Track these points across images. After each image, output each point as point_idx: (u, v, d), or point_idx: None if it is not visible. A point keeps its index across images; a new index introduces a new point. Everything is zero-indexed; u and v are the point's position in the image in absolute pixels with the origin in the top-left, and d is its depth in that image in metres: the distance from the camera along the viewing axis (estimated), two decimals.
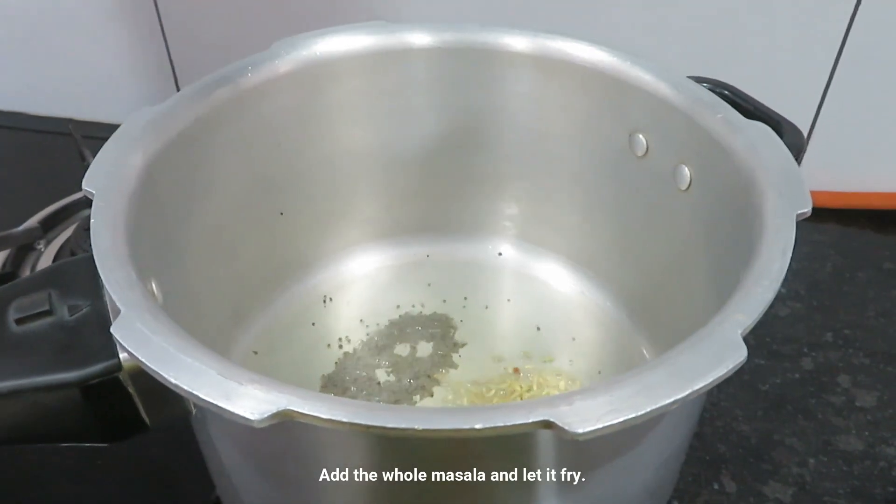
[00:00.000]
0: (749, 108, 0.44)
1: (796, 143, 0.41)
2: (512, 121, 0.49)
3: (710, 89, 0.41)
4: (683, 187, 0.42)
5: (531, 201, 0.52)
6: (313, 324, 0.50)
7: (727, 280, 0.33)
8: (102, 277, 0.30)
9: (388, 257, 0.54)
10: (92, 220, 0.32)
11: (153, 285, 0.34)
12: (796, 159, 0.39)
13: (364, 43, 0.46)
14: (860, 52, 0.59)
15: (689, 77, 0.42)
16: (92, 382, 0.30)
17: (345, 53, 0.46)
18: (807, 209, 0.33)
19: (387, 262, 0.54)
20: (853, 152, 0.64)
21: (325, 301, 0.51)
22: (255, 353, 0.48)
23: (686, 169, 0.41)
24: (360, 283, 0.53)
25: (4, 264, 0.57)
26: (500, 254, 0.54)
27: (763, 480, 0.45)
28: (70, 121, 0.70)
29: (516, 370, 0.47)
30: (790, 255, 0.31)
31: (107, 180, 0.35)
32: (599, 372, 0.47)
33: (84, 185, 0.34)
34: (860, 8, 0.57)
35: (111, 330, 0.27)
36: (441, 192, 0.53)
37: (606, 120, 0.45)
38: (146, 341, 0.27)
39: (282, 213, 0.49)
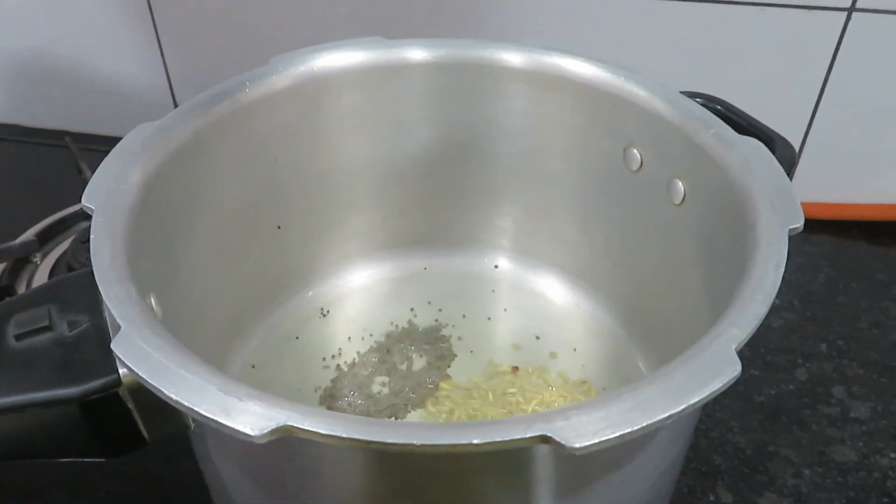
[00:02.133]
0: (742, 124, 0.44)
1: (788, 157, 0.42)
2: (507, 135, 0.49)
3: (702, 104, 0.42)
4: (677, 202, 0.42)
5: (527, 214, 0.53)
6: (306, 337, 0.50)
7: (721, 293, 0.33)
8: (102, 293, 0.30)
9: (386, 270, 0.54)
10: (91, 237, 0.32)
11: (152, 300, 0.34)
12: (788, 173, 0.39)
13: (361, 58, 0.47)
14: (851, 63, 0.59)
15: (682, 92, 0.42)
16: (92, 398, 0.30)
17: (342, 69, 0.46)
18: (799, 224, 0.33)
19: (384, 275, 0.54)
20: (845, 164, 0.65)
21: (322, 314, 0.52)
22: (253, 366, 0.48)
23: (680, 183, 0.41)
24: (358, 296, 0.53)
25: (1, 277, 0.57)
26: (496, 266, 0.55)
27: (759, 492, 0.46)
28: (67, 133, 0.71)
29: (515, 368, 0.48)
30: (783, 269, 0.31)
31: (106, 196, 0.35)
32: (603, 388, 0.47)
33: (84, 201, 0.35)
34: (850, 21, 0.57)
35: (111, 346, 0.27)
36: (438, 205, 0.53)
37: (601, 135, 0.46)
38: (146, 357, 0.27)
39: (279, 227, 0.49)
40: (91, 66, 0.75)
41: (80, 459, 0.33)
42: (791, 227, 0.33)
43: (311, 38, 0.48)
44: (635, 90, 0.43)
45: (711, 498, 0.45)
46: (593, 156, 0.47)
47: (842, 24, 0.57)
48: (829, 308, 0.58)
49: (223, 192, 0.44)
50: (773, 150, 0.39)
